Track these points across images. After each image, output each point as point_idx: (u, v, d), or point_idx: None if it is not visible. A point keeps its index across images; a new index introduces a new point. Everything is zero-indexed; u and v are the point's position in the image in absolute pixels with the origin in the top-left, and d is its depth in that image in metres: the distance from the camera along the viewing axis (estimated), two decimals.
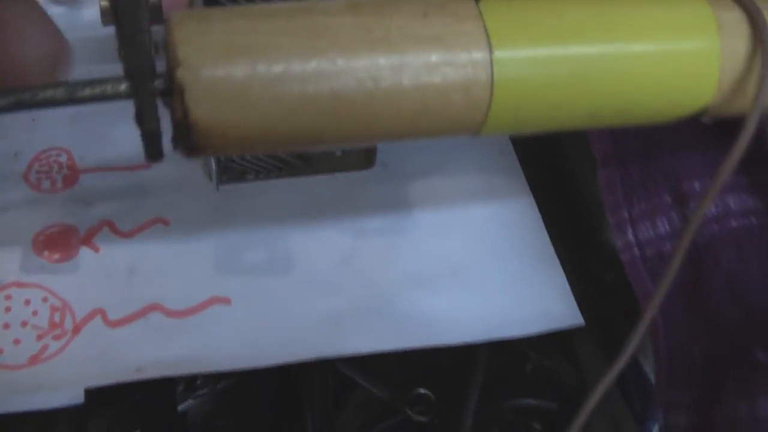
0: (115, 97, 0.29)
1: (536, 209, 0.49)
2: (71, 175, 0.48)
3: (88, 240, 0.46)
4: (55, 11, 0.54)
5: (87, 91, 0.29)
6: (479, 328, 0.44)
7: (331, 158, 0.48)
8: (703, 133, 0.40)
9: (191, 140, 0.28)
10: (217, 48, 0.28)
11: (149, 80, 0.29)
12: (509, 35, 0.29)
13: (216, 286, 0.45)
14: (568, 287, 0.46)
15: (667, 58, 0.31)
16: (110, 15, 0.44)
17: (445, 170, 0.50)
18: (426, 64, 0.29)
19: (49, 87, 0.29)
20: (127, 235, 0.46)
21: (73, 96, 0.29)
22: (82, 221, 0.46)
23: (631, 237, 0.43)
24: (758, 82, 0.32)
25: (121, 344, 0.43)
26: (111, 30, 0.30)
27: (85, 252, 0.45)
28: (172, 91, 0.28)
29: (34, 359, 0.42)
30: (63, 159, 0.49)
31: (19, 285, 0.44)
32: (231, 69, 0.27)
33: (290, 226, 0.47)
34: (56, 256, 0.45)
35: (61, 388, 0.41)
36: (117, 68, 0.30)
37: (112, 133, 0.50)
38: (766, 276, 0.40)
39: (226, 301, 0.44)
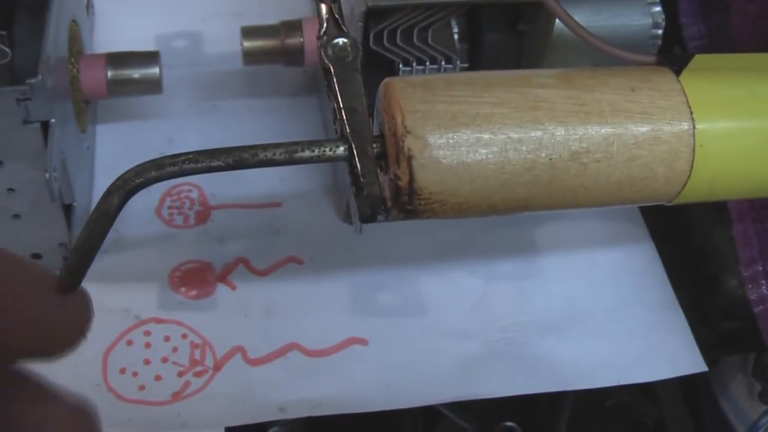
0: (334, 159, 0.31)
1: (657, 256, 0.51)
2: (203, 211, 0.50)
3: (224, 277, 0.48)
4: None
5: (306, 153, 0.31)
6: (607, 374, 0.47)
7: None
8: None
9: (413, 205, 0.30)
10: (443, 117, 0.30)
11: (368, 144, 0.31)
12: (710, 110, 0.32)
13: (353, 326, 0.47)
14: (691, 335, 0.48)
15: None
16: (252, 57, 0.47)
17: (569, 216, 0.52)
18: (634, 138, 0.31)
19: (270, 147, 0.31)
20: (263, 273, 0.48)
21: (292, 156, 0.31)
22: (216, 258, 0.49)
23: (765, 290, 0.45)
24: None
25: (262, 383, 0.45)
26: None
27: (222, 289, 0.48)
28: (397, 158, 0.30)
29: (176, 396, 0.44)
30: (194, 195, 0.51)
31: (158, 321, 0.46)
32: (457, 138, 0.30)
33: (422, 268, 0.49)
34: (193, 292, 0.47)
35: (203, 425, 0.43)
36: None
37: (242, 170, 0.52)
38: None
39: (363, 342, 0.46)
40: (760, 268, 0.46)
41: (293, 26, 0.48)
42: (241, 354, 0.46)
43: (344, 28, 0.35)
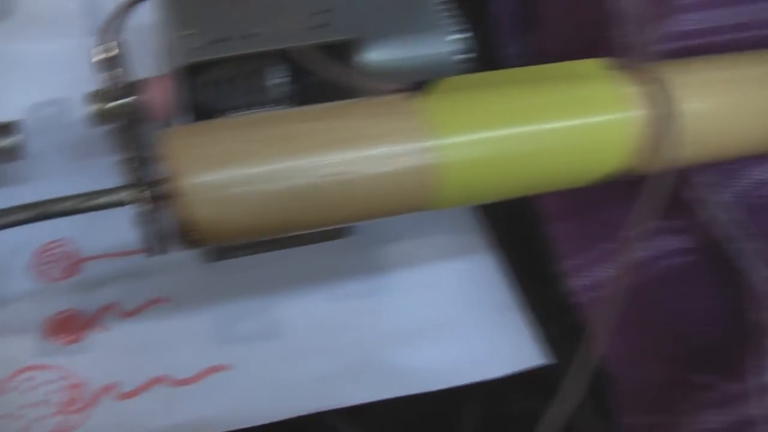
0: (121, 204, 0.37)
1: (498, 263, 0.57)
2: (75, 263, 0.56)
3: (96, 321, 0.54)
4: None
5: (98, 201, 0.37)
6: (456, 374, 0.52)
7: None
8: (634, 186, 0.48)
9: (190, 237, 0.36)
10: (205, 158, 0.36)
11: (149, 189, 0.37)
12: (450, 125, 0.38)
13: (217, 354, 0.52)
14: (529, 332, 0.54)
15: (588, 133, 0.40)
16: (99, 119, 0.53)
17: (414, 233, 0.58)
18: (381, 157, 0.37)
19: (68, 199, 0.37)
20: (131, 314, 0.54)
21: (90, 204, 0.37)
22: (89, 305, 0.54)
23: (584, 281, 0.51)
24: (664, 144, 0.40)
25: (136, 414, 0.50)
26: None
27: (95, 333, 0.53)
28: (171, 197, 0.36)
29: None
30: (66, 249, 0.57)
31: (35, 368, 0.52)
32: (219, 175, 0.36)
33: (279, 295, 0.55)
34: (68, 338, 0.53)
35: None
36: None
37: (108, 222, 0.57)
38: (699, 307, 0.48)
39: (227, 367, 0.52)
40: (577, 261, 0.51)
41: (134, 87, 0.54)
42: (114, 390, 0.51)
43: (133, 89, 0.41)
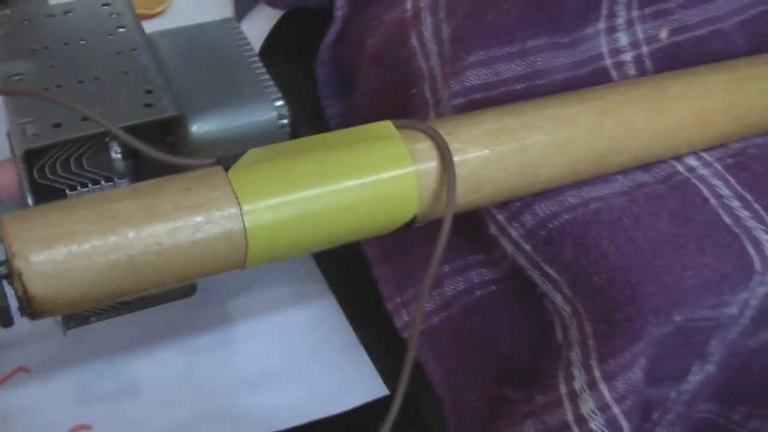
0: None
1: (339, 308, 0.64)
2: None
3: None
4: None
5: None
6: (304, 412, 0.59)
7: (160, 292, 0.62)
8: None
9: (32, 308, 0.42)
10: (39, 240, 0.42)
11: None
12: (254, 193, 0.44)
13: (77, 415, 0.58)
14: (372, 367, 0.61)
15: (378, 188, 0.47)
16: None
17: (258, 286, 0.65)
18: (193, 226, 0.43)
19: None
20: None
21: None
22: None
23: (406, 317, 0.58)
24: (447, 193, 0.47)
25: None
26: None
27: None
28: (12, 275, 0.42)
29: None
30: None
31: None
32: (52, 253, 0.41)
33: (133, 355, 0.61)
34: None
35: None
36: None
37: None
38: (508, 331, 0.55)
39: (88, 427, 0.58)
40: (399, 300, 0.58)
41: None
42: None
43: None
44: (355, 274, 0.66)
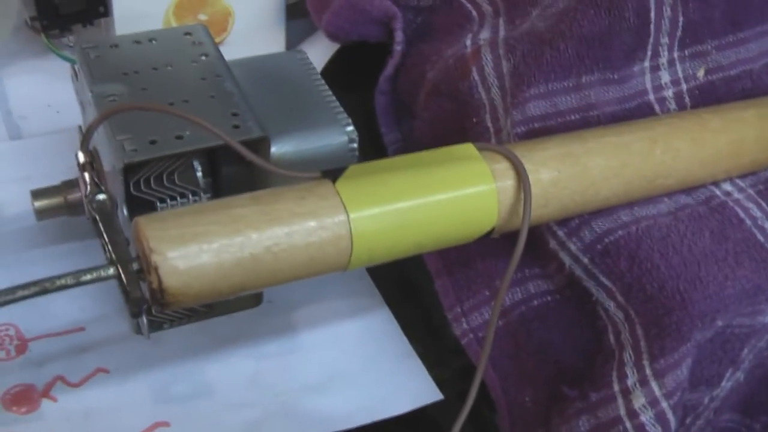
0: (108, 278, 0.51)
1: (393, 319, 0.72)
2: (21, 344, 0.69)
3: (46, 393, 0.66)
4: None
5: (88, 276, 0.51)
6: (363, 415, 0.67)
7: (228, 301, 0.70)
8: (501, 243, 0.64)
9: (164, 300, 0.50)
10: (174, 238, 0.50)
11: (130, 263, 0.51)
12: (359, 203, 0.52)
13: (156, 413, 0.65)
14: (426, 374, 0.69)
15: (464, 202, 0.55)
16: (43, 213, 0.66)
17: (318, 299, 0.73)
18: (307, 230, 0.51)
19: (61, 277, 0.50)
20: (77, 385, 0.67)
21: (79, 280, 0.50)
22: (38, 379, 0.67)
23: (465, 326, 0.66)
24: (524, 208, 0.56)
25: None
26: None
27: (46, 403, 0.66)
28: (148, 270, 0.50)
29: None
30: (12, 332, 0.69)
31: None
32: (185, 251, 0.49)
33: (206, 359, 0.69)
34: (23, 409, 0.65)
35: None
36: None
37: (49, 306, 0.70)
38: (564, 336, 0.64)
39: (167, 424, 0.65)
40: (459, 310, 0.67)
41: (72, 184, 0.67)
42: None
43: (102, 187, 0.54)
44: (409, 289, 0.75)
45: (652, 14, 0.65)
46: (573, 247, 0.62)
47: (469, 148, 0.57)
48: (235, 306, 0.70)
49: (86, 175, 0.57)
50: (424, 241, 0.55)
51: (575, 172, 0.58)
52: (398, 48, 0.74)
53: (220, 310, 0.70)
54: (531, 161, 0.57)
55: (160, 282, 0.49)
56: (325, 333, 0.71)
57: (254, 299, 0.71)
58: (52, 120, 0.86)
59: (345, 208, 0.52)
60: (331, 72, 0.80)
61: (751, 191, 0.65)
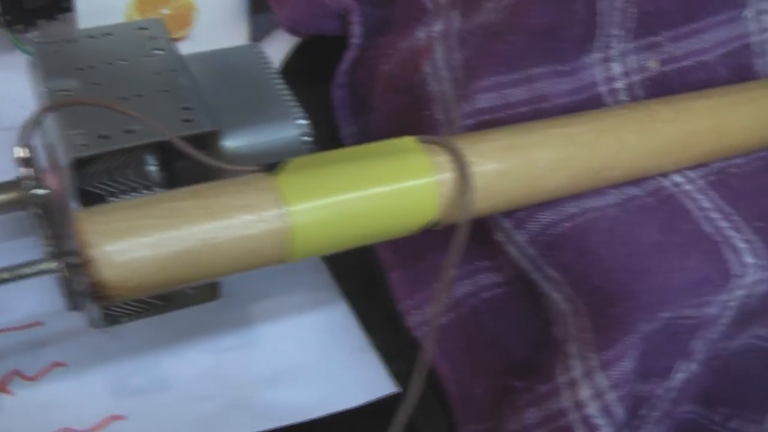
0: (48, 273, 0.52)
1: (349, 312, 0.74)
2: None
3: (3, 387, 0.67)
4: None
5: (27, 270, 0.52)
6: (319, 407, 0.68)
7: (186, 295, 0.71)
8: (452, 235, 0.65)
9: (102, 293, 0.51)
10: (111, 232, 0.51)
11: (70, 257, 0.52)
12: (298, 196, 0.54)
13: (113, 406, 0.67)
14: (381, 367, 0.70)
15: (404, 194, 0.56)
16: (1, 209, 0.67)
17: (277, 293, 0.74)
18: (246, 224, 0.52)
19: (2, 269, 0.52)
20: (34, 378, 0.68)
21: (18, 273, 0.52)
22: None
23: (417, 318, 0.68)
24: (462, 200, 0.57)
25: None
26: None
27: (3, 397, 0.67)
28: (86, 264, 0.51)
29: None
30: None
31: None
32: (123, 244, 0.51)
33: (164, 353, 0.70)
34: None
35: None
36: None
37: (6, 301, 0.71)
38: (513, 328, 0.65)
39: (123, 417, 0.66)
40: (411, 302, 0.68)
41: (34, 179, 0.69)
42: None
43: (43, 181, 0.56)
44: (366, 282, 0.76)
45: (601, 5, 0.66)
46: (520, 239, 0.63)
47: (410, 141, 0.58)
48: (193, 299, 0.72)
49: (25, 170, 0.58)
50: (364, 233, 0.56)
51: (521, 164, 0.59)
52: (355, 41, 0.75)
53: (178, 304, 0.71)
54: (475, 153, 0.58)
55: (97, 275, 0.50)
56: (282, 326, 0.73)
57: (212, 293, 0.72)
58: (16, 115, 0.87)
59: (284, 200, 0.54)
60: (292, 65, 0.81)
61: (701, 182, 0.65)
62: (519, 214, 0.63)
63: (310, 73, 0.81)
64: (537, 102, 0.66)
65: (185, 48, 0.73)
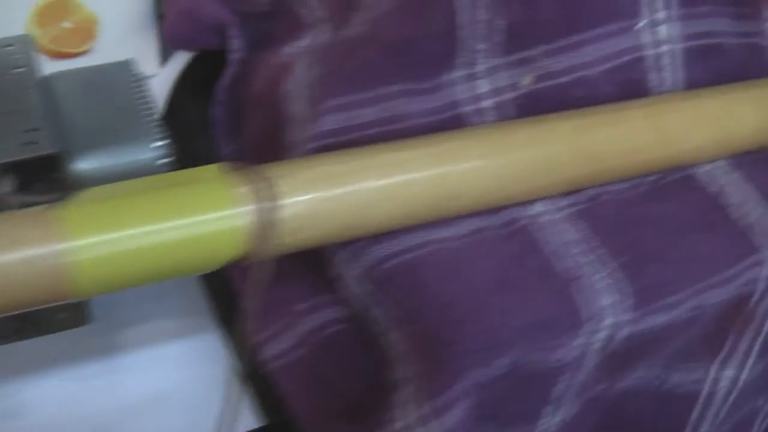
0: None
1: (218, 340, 0.72)
2: None
3: None
4: None
5: None
6: None
7: (54, 320, 0.69)
8: (300, 267, 0.62)
9: None
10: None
11: None
12: (79, 229, 0.51)
13: None
14: (246, 399, 0.68)
15: (198, 228, 0.53)
16: None
17: (148, 319, 0.73)
18: (23, 260, 0.50)
19: None
20: None
21: None
22: None
23: (266, 353, 0.65)
24: (261, 234, 0.54)
25: None
26: None
27: None
28: None
29: None
30: None
31: None
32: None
33: (24, 379, 0.69)
34: None
35: None
36: None
37: None
38: (351, 369, 0.62)
39: None
40: (263, 336, 0.66)
41: None
42: None
43: None
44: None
45: (461, 19, 0.62)
46: (354, 273, 0.60)
47: (213, 170, 0.56)
48: (61, 325, 0.70)
49: None
50: (158, 268, 0.54)
51: (344, 193, 0.56)
52: (234, 56, 0.72)
53: (46, 329, 0.70)
54: (291, 181, 0.55)
55: None
56: (149, 354, 0.71)
57: (82, 318, 0.71)
58: None
59: (65, 235, 0.51)
60: (187, 78, 0.79)
61: (569, 211, 0.61)
62: (354, 245, 0.59)
63: (205, 86, 0.78)
64: (392, 122, 0.62)
65: (87, 63, 0.72)
